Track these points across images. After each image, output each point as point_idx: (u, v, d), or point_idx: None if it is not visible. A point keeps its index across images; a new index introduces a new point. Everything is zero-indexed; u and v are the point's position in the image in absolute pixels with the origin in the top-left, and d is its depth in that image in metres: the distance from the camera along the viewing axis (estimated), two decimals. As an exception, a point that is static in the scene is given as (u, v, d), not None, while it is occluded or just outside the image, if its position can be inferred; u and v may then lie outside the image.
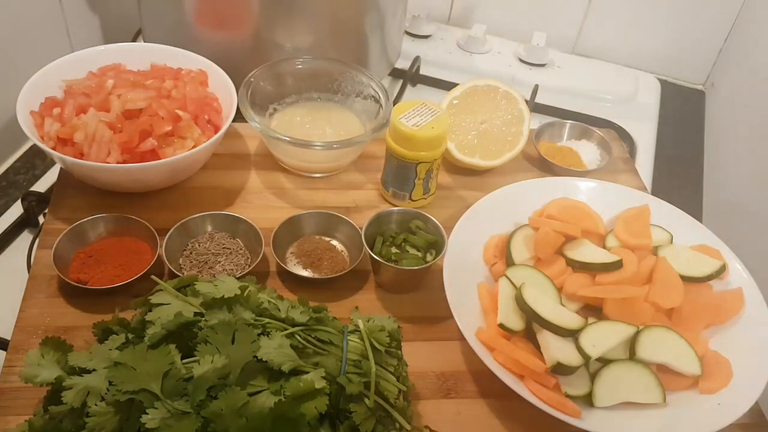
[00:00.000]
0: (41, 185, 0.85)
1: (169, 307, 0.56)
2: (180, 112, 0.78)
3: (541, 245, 0.71)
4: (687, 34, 1.18)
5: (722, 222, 0.94)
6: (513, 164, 0.87)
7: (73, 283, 0.67)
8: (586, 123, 0.95)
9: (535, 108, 1.05)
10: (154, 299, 0.57)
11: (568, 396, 0.61)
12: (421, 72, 1.10)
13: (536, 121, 1.02)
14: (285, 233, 0.75)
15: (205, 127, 0.79)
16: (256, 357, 0.53)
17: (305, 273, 0.72)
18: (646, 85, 1.17)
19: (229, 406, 0.49)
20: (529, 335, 0.66)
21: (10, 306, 0.71)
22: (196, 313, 0.56)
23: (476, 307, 0.69)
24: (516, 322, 0.65)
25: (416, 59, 1.09)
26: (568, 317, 0.65)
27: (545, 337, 0.63)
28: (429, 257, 0.73)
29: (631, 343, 0.64)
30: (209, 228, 0.75)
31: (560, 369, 0.61)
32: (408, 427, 0.55)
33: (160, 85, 0.80)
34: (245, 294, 0.58)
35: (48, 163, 0.88)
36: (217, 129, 0.81)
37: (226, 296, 0.57)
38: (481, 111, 0.86)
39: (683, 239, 0.75)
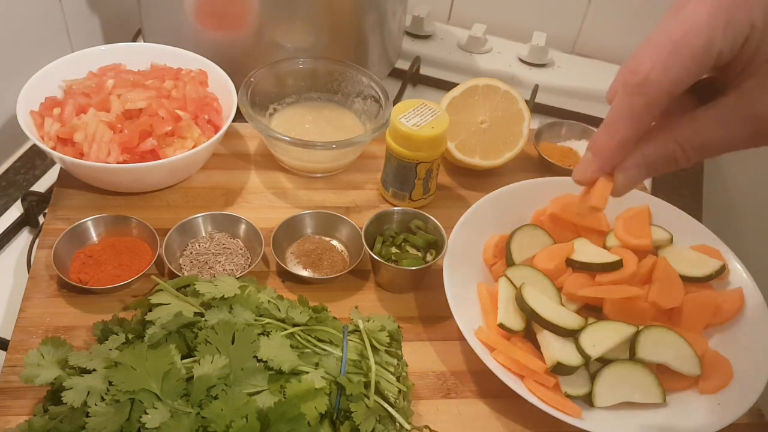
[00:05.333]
0: (41, 185, 0.85)
1: (169, 307, 0.56)
2: (180, 112, 0.78)
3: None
4: (687, 34, 1.18)
5: (722, 222, 0.94)
6: (513, 164, 0.87)
7: (73, 283, 0.67)
8: (586, 123, 0.94)
9: (535, 108, 1.05)
10: (154, 299, 0.57)
11: (568, 396, 0.61)
12: (421, 72, 1.10)
13: (536, 121, 1.03)
14: (285, 233, 0.75)
15: (205, 127, 0.79)
16: (256, 357, 0.53)
17: (305, 273, 0.72)
18: (646, 85, 1.17)
19: (229, 406, 0.49)
20: (529, 335, 0.66)
21: (10, 306, 0.71)
22: (196, 313, 0.56)
23: (476, 307, 0.69)
24: (516, 322, 0.65)
25: (416, 59, 1.09)
26: (568, 317, 0.65)
27: (545, 337, 0.63)
28: (429, 257, 0.73)
29: (631, 343, 0.64)
30: (209, 228, 0.75)
31: (560, 369, 0.61)
32: (408, 427, 0.55)
33: (160, 85, 0.80)
34: (245, 294, 0.58)
35: (48, 163, 0.88)
36: (217, 129, 0.81)
37: (226, 296, 0.57)
38: (481, 111, 0.86)
39: (683, 239, 0.75)
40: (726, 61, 0.42)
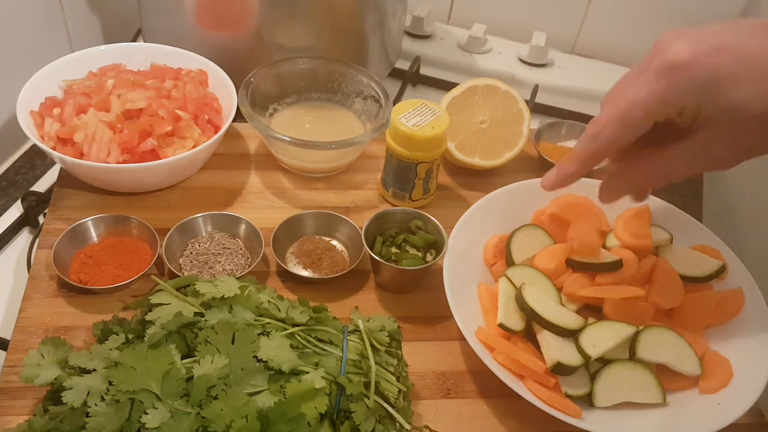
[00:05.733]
0: (41, 185, 0.85)
1: (169, 307, 0.56)
2: (180, 112, 0.78)
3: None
4: (687, 34, 1.18)
5: (722, 222, 0.94)
6: (513, 164, 0.87)
7: (73, 283, 0.67)
8: (586, 123, 0.94)
9: (535, 108, 1.05)
10: (154, 299, 0.57)
11: (568, 396, 0.61)
12: (421, 72, 1.10)
13: (536, 121, 1.03)
14: (285, 233, 0.75)
15: (205, 127, 0.79)
16: (256, 357, 0.53)
17: (305, 273, 0.72)
18: (646, 85, 1.17)
19: (229, 406, 0.49)
20: (529, 335, 0.66)
21: (10, 306, 0.71)
22: (196, 313, 0.56)
23: (476, 307, 0.69)
24: (516, 322, 0.65)
25: (416, 59, 1.09)
26: (568, 317, 0.65)
27: (545, 337, 0.63)
28: (429, 257, 0.73)
29: (631, 343, 0.64)
30: (209, 228, 0.75)
31: (560, 369, 0.61)
32: (408, 427, 0.55)
33: (160, 85, 0.80)
34: (245, 294, 0.58)
35: (48, 163, 0.88)
36: (217, 129, 0.81)
37: (226, 296, 0.57)
38: (481, 111, 0.86)
39: (683, 239, 0.75)
40: (664, 121, 0.53)
